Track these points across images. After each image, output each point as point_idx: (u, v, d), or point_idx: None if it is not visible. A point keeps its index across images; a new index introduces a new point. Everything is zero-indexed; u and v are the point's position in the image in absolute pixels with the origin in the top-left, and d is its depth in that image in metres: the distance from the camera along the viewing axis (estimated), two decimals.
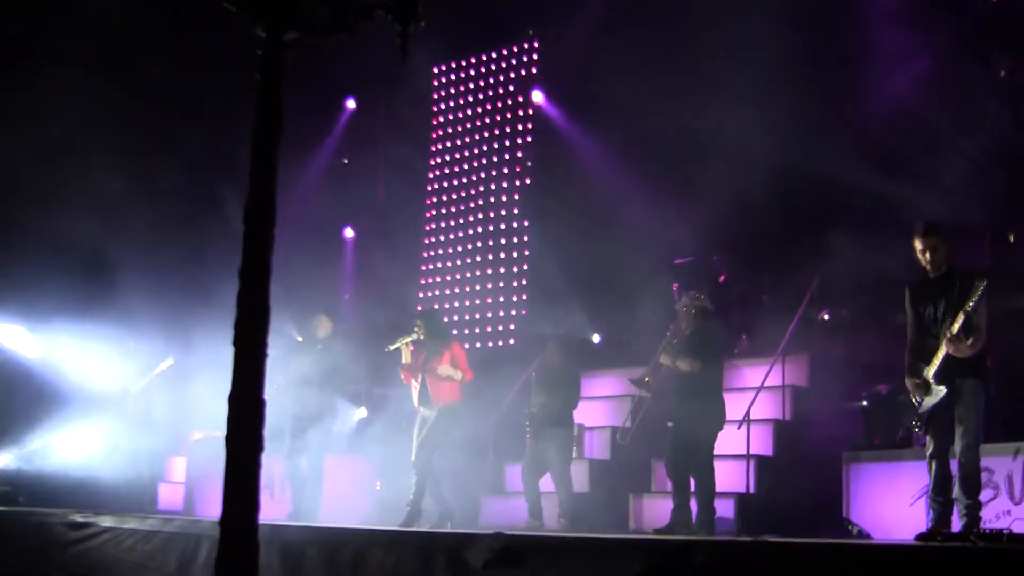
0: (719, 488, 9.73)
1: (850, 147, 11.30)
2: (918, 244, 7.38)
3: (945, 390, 7.24)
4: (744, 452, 10.49)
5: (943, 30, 11.29)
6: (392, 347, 10.31)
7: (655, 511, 10.77)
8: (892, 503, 9.12)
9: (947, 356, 7.22)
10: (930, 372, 7.31)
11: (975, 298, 7.10)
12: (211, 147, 13.80)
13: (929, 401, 7.33)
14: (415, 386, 10.16)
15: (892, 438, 9.79)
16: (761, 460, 10.69)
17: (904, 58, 11.38)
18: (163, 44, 13.38)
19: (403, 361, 10.24)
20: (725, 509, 10.05)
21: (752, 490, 10.40)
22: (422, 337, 10.18)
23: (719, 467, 9.77)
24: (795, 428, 11.07)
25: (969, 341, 7.15)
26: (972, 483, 7.09)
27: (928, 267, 7.40)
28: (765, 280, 12.73)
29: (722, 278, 12.29)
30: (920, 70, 11.36)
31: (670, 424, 9.74)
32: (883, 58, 11.43)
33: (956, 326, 7.14)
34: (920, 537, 6.98)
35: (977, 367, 7.25)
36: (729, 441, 10.37)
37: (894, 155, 11.06)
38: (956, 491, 7.12)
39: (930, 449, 7.34)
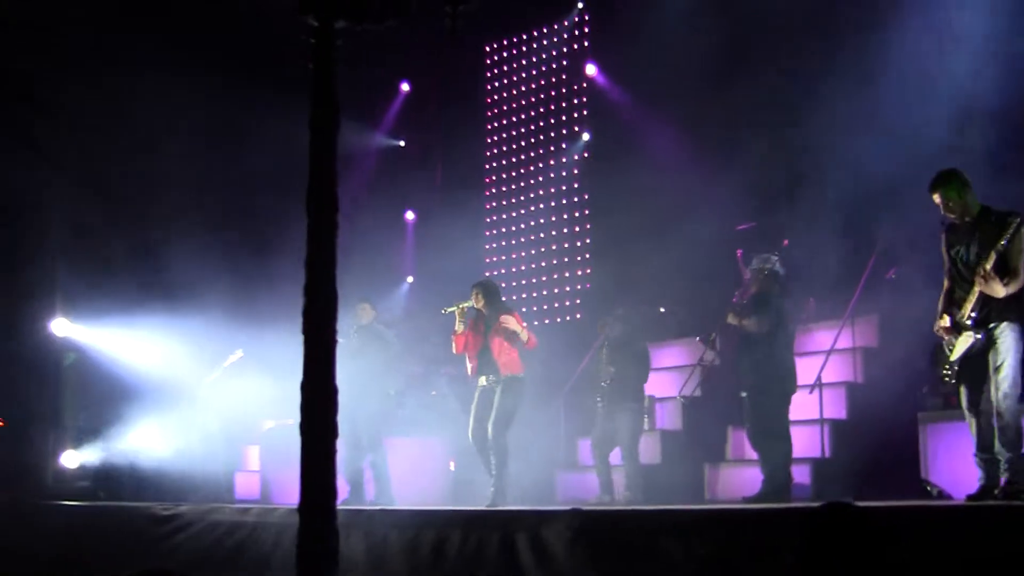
0: (795, 454, 9.67)
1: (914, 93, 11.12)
2: (936, 198, 7.16)
3: (978, 335, 6.95)
4: (818, 416, 10.42)
5: None
6: (448, 310, 10.21)
7: (731, 480, 10.74)
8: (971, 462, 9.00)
9: (981, 298, 6.95)
10: (963, 315, 7.02)
11: (1008, 235, 6.86)
12: (274, 138, 13.90)
13: (961, 347, 7.03)
14: (470, 357, 10.10)
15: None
16: (835, 424, 10.61)
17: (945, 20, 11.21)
18: (225, 43, 13.46)
19: (455, 328, 10.16)
20: (801, 474, 10.00)
21: (828, 454, 10.33)
22: (478, 306, 10.16)
23: (793, 433, 9.71)
24: (868, 390, 10.94)
25: (1005, 281, 6.88)
26: (1010, 435, 6.82)
27: (951, 216, 7.17)
28: (829, 241, 12.59)
29: (786, 242, 12.16)
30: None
31: (744, 395, 9.69)
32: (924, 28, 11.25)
33: (989, 264, 6.89)
34: (970, 498, 6.86)
35: (1013, 309, 6.93)
36: (802, 406, 10.30)
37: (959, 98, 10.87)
38: (996, 445, 6.89)
39: (964, 401, 7.08)
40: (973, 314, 7.00)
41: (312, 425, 3.42)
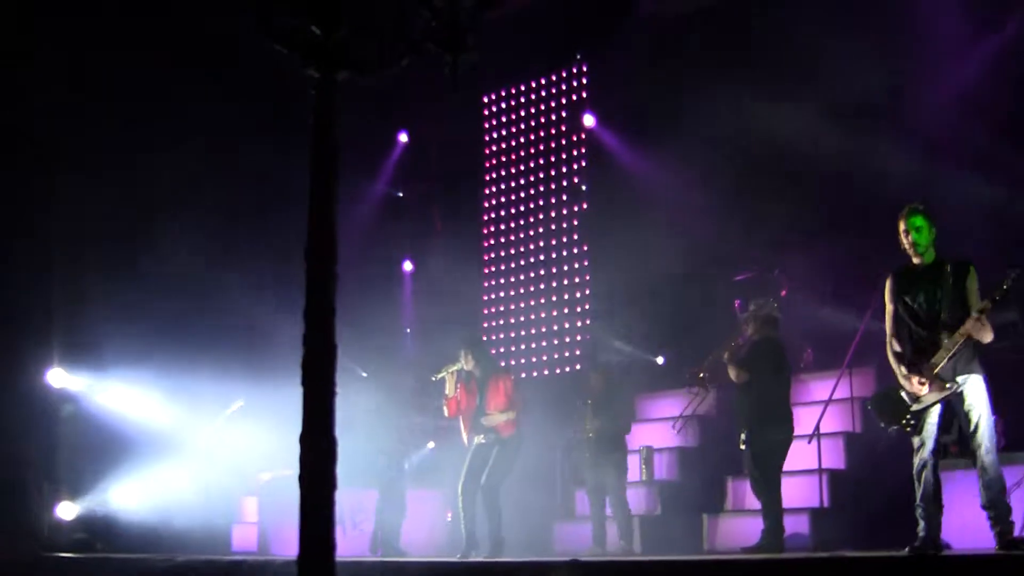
0: (792, 504, 9.64)
1: (916, 148, 11.17)
2: (901, 225, 7.13)
3: (958, 385, 6.89)
4: (816, 466, 10.39)
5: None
6: (437, 376, 10.33)
7: (731, 531, 10.70)
8: (972, 511, 8.96)
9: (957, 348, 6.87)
10: (940, 365, 6.95)
11: (1005, 287, 6.79)
12: (261, 176, 13.95)
13: (932, 397, 6.97)
14: (464, 420, 10.15)
15: (968, 445, 9.63)
16: (833, 474, 10.58)
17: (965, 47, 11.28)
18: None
19: (446, 392, 10.22)
20: (799, 524, 9.96)
21: (826, 504, 10.29)
22: (468, 367, 10.18)
23: (791, 483, 9.69)
24: (866, 440, 10.93)
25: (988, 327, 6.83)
26: (996, 489, 6.84)
27: (911, 250, 7.12)
28: (827, 292, 12.62)
29: (784, 292, 12.20)
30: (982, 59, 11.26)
31: (743, 447, 9.69)
32: (940, 51, 11.30)
33: (977, 309, 6.81)
34: (914, 550, 6.82)
35: (977, 359, 6.94)
36: (800, 456, 10.27)
37: (962, 152, 10.93)
38: (984, 498, 6.87)
39: (925, 452, 7.05)
40: (948, 363, 6.93)
41: (312, 475, 3.42)
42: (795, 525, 9.77)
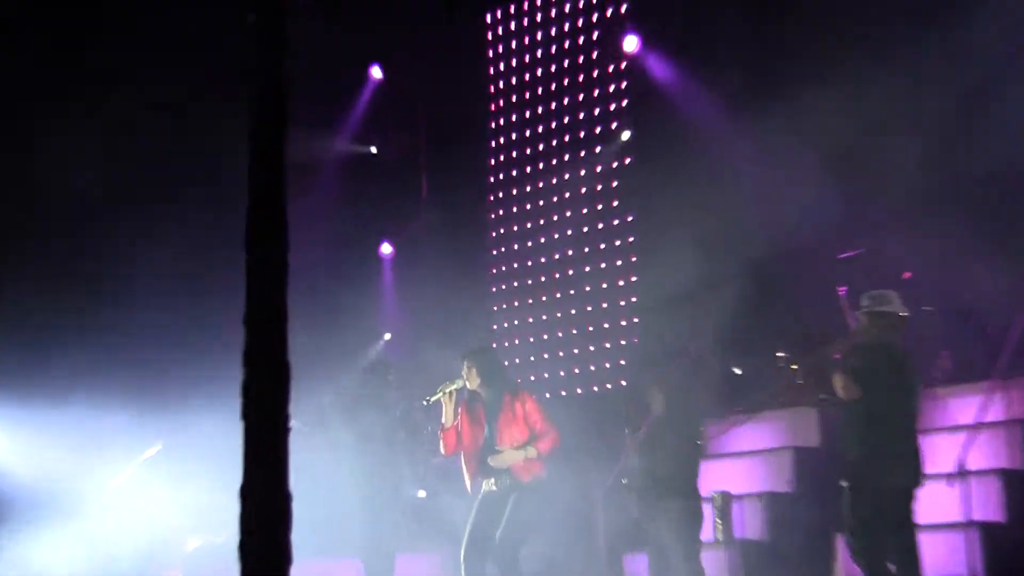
0: (933, 572, 9.60)
1: None
2: None
3: None
4: (962, 519, 10.35)
5: None
6: (431, 399, 10.29)
7: None
8: None
9: None
10: None
11: None
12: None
13: None
14: (467, 459, 10.16)
15: None
16: (988, 528, 10.53)
17: None
18: None
19: (443, 420, 10.22)
20: None
21: (980, 573, 10.26)
22: (472, 386, 10.19)
23: (926, 541, 9.64)
24: None
25: None
26: None
27: None
28: (969, 278, 12.60)
29: (908, 274, 12.19)
30: None
31: (844, 483, 9.67)
32: None
33: None
34: None
35: None
36: (938, 504, 10.24)
37: None
38: None
39: None
40: None
41: (257, 543, 3.40)
42: None
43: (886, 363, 9.63)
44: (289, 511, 3.43)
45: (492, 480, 10.00)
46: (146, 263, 14.08)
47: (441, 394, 10.19)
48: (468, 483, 10.19)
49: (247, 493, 3.43)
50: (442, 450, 10.32)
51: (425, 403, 10.47)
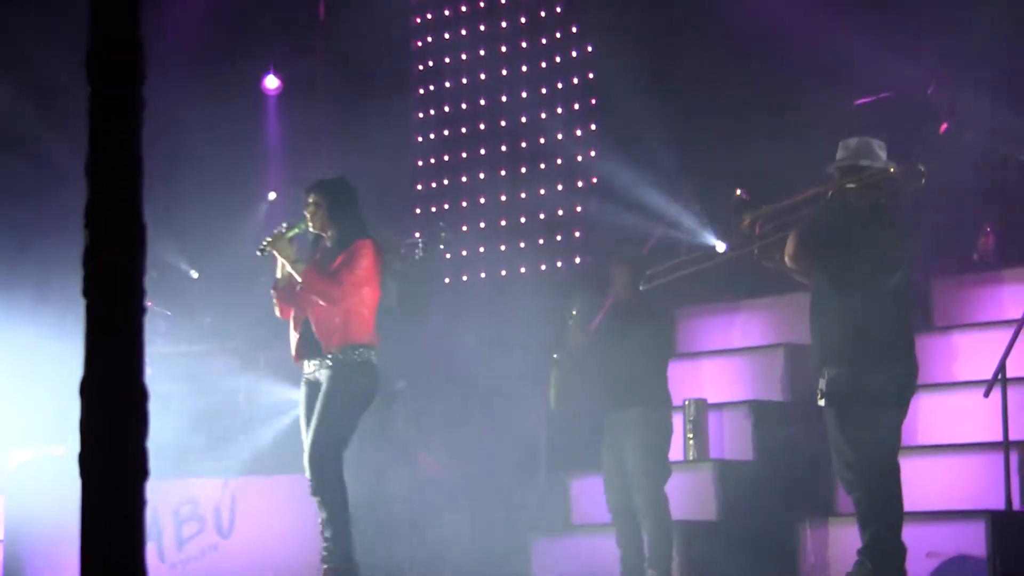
0: (956, 502, 9.73)
1: None
2: None
3: None
4: (997, 438, 10.47)
5: None
6: (264, 248, 10.19)
7: (843, 546, 10.80)
8: None
9: None
10: None
11: None
12: None
13: None
14: (295, 326, 10.23)
15: None
16: None
17: None
18: None
19: (277, 275, 10.25)
20: (964, 538, 10.09)
21: (1016, 505, 10.40)
22: (314, 227, 10.22)
23: (950, 465, 9.79)
24: None
25: None
26: None
27: None
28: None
29: (944, 126, 12.26)
30: None
31: (820, 401, 9.77)
32: None
33: None
34: None
35: None
36: (968, 420, 10.37)
37: None
38: None
39: None
40: None
41: (103, 452, 3.39)
42: (960, 539, 9.89)
43: (853, 228, 9.63)
44: (144, 410, 3.42)
45: (308, 363, 10.07)
46: None
47: (277, 241, 10.08)
48: (293, 354, 10.24)
49: (89, 389, 3.42)
50: (277, 313, 10.32)
51: (259, 252, 10.25)
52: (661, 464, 11.14)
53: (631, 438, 11.09)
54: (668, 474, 11.14)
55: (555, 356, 11.59)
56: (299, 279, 9.90)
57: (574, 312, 11.52)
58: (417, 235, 12.00)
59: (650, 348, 11.28)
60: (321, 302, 9.87)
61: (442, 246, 12.17)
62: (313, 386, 10.05)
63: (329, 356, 9.94)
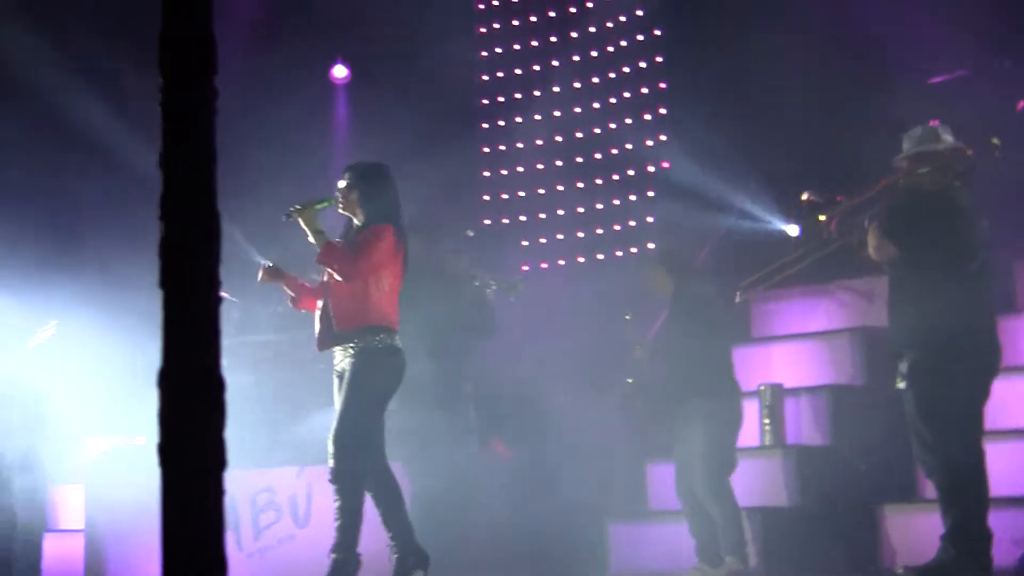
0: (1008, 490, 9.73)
1: None
2: None
3: None
4: None
5: None
6: (291, 214, 10.05)
7: (920, 533, 10.78)
8: None
9: None
10: None
11: None
12: None
13: None
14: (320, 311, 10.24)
15: None
16: None
17: None
18: None
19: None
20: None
21: None
22: (344, 209, 10.21)
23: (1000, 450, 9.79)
24: None
25: None
26: None
27: None
28: None
29: (1022, 103, 12.22)
30: None
31: (900, 384, 9.75)
32: None
33: None
34: None
35: None
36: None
37: None
38: None
39: None
40: None
41: (183, 441, 3.42)
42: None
43: (930, 213, 9.62)
44: (222, 400, 3.45)
45: (341, 347, 10.07)
46: None
47: (308, 210, 10.00)
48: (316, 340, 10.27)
49: (167, 379, 3.45)
50: (289, 304, 10.42)
51: (284, 218, 10.10)
52: (724, 455, 11.13)
53: (694, 430, 11.10)
54: (732, 465, 11.13)
55: (628, 381, 11.62)
56: (318, 249, 9.89)
57: (627, 317, 11.57)
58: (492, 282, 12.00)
59: (702, 338, 11.27)
60: (336, 276, 9.86)
61: (512, 298, 12.15)
62: (341, 376, 10.05)
63: (351, 344, 9.92)
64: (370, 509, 9.85)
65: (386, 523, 9.95)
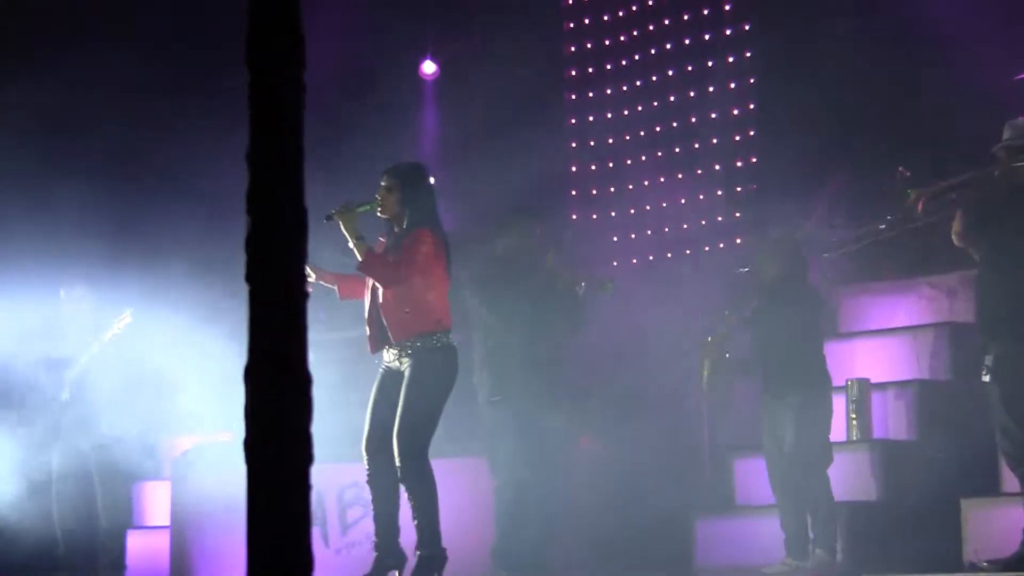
0: None
1: None
2: None
3: None
4: None
5: None
6: (332, 215, 9.91)
7: (1006, 526, 10.71)
8: None
9: None
10: None
11: None
12: None
13: None
14: (367, 315, 10.20)
15: None
16: None
17: None
18: None
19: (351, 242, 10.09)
20: None
21: None
22: (384, 212, 10.14)
23: None
24: None
25: None
26: None
27: None
28: None
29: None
30: None
31: (985, 376, 9.70)
32: None
33: None
34: None
35: None
36: None
37: None
38: None
39: None
40: None
41: (268, 439, 3.42)
42: None
43: (1020, 205, 9.56)
44: (308, 395, 3.45)
45: (394, 350, 10.05)
46: None
47: (351, 212, 9.93)
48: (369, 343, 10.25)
49: (253, 375, 3.46)
50: (339, 293, 10.43)
51: (325, 219, 9.86)
52: (822, 449, 11.10)
53: (790, 425, 11.06)
54: (829, 458, 11.09)
55: (708, 339, 11.58)
56: (359, 256, 9.86)
57: (727, 312, 11.55)
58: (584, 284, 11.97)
59: (803, 331, 11.23)
60: (379, 283, 9.89)
61: (604, 295, 12.14)
62: (393, 374, 10.01)
63: (408, 344, 9.93)
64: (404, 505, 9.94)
65: (377, 519, 10.10)
